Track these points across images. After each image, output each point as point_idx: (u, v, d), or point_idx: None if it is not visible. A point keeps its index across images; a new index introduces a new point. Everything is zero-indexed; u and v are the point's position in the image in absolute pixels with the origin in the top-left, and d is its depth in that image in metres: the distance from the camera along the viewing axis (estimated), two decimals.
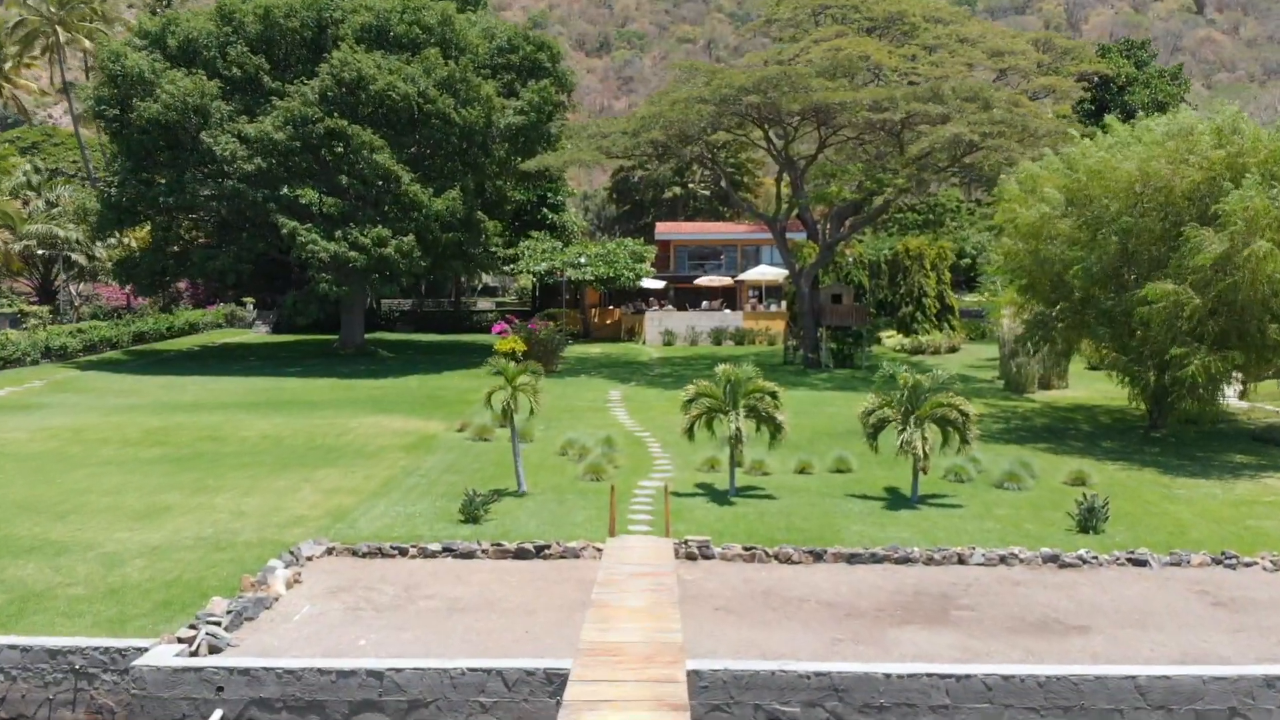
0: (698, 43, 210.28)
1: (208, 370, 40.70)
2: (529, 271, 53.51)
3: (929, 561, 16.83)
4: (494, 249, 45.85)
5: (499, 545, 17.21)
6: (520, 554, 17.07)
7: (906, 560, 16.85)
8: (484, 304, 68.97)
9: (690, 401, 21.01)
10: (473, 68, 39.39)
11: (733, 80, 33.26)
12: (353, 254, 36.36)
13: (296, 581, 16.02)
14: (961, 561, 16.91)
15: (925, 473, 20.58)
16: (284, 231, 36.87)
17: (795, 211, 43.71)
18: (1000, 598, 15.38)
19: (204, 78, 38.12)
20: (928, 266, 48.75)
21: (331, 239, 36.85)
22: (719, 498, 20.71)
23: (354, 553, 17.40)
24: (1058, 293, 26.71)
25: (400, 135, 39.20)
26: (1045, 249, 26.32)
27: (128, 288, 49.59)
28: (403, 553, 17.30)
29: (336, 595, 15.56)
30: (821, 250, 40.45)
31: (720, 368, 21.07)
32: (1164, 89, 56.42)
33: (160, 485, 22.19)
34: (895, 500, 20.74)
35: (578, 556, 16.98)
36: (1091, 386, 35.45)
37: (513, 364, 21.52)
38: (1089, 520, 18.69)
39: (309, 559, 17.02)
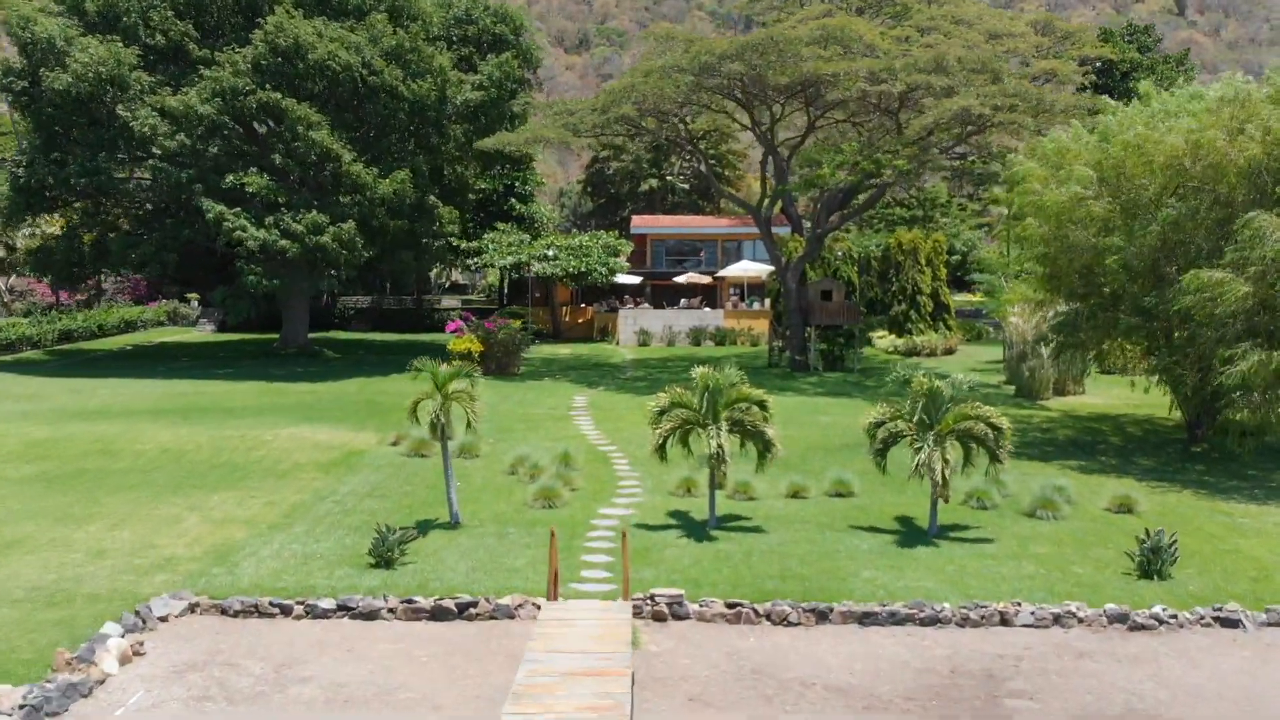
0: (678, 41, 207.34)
1: (130, 372, 36.53)
2: (493, 265, 49.55)
3: (964, 622, 13.13)
4: (452, 238, 41.85)
5: (411, 602, 13.35)
6: (438, 614, 13.22)
7: (935, 621, 13.14)
8: (450, 301, 64.90)
9: (661, 414, 17.20)
10: (425, 37, 35.47)
11: (713, 48, 29.54)
12: (284, 242, 32.32)
13: (136, 654, 12.11)
14: (1005, 622, 13.22)
15: (945, 501, 16.89)
16: (209, 217, 32.79)
17: (780, 203, 40.03)
18: (1064, 678, 11.69)
19: (121, 45, 33.96)
20: (922, 262, 45.21)
21: (262, 225, 32.81)
22: (696, 531, 16.93)
23: (223, 611, 13.50)
24: (1087, 286, 23.11)
25: (343, 111, 35.21)
26: (1074, 235, 22.72)
27: (45, 280, 45.23)
28: (285, 611, 13.43)
29: (183, 676, 11.66)
30: (810, 242, 36.79)
31: (698, 372, 17.26)
32: (1169, 75, 53.27)
33: (19, 512, 18.19)
34: (910, 534, 17.03)
35: (512, 617, 13.17)
36: (1110, 392, 31.94)
37: (446, 366, 17.57)
38: (1153, 563, 15.04)
39: (162, 620, 13.10)
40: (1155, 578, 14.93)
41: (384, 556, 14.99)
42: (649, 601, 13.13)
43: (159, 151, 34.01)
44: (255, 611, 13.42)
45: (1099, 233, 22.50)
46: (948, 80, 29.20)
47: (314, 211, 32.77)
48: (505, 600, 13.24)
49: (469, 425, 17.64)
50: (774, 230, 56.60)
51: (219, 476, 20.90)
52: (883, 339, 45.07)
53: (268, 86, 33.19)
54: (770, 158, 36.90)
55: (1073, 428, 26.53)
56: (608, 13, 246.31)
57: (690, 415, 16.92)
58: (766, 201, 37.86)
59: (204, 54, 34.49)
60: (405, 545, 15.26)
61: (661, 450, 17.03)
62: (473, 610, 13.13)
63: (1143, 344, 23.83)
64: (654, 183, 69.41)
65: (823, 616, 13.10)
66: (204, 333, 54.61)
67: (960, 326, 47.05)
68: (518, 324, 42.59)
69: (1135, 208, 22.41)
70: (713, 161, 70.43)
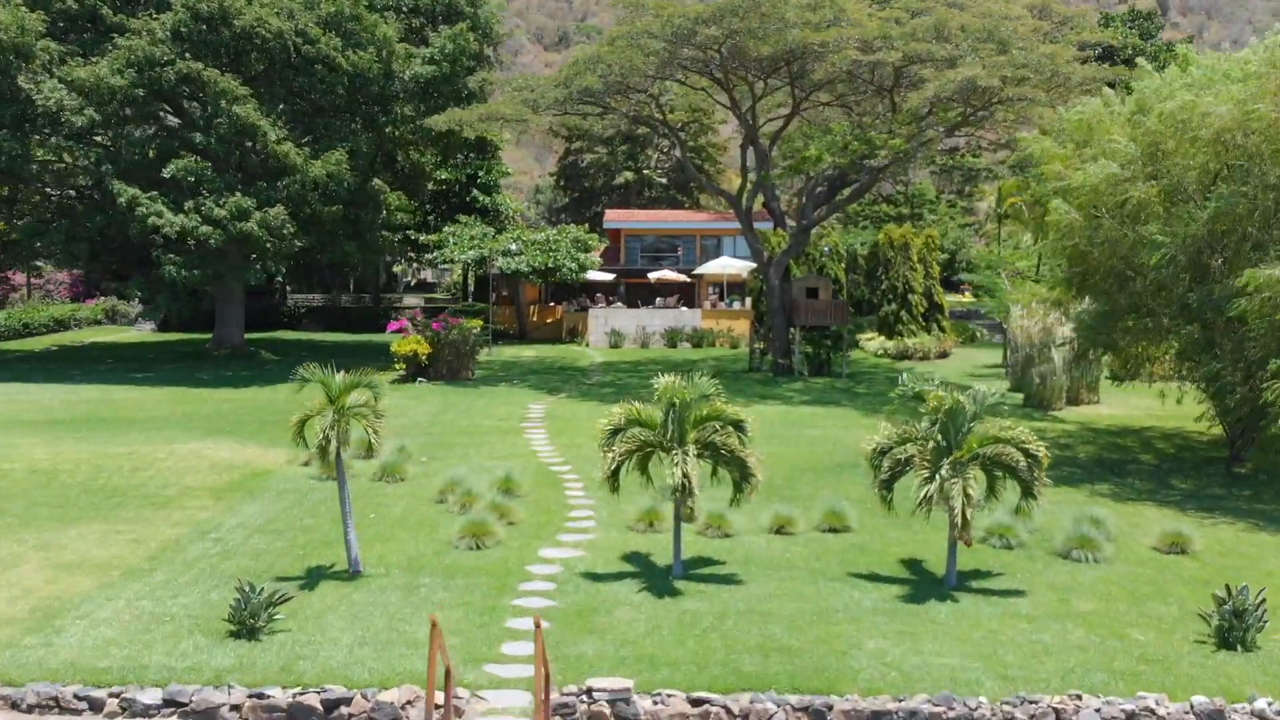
0: None
1: (40, 376, 32.77)
2: (453, 261, 46.00)
3: None
4: (407, 229, 38.27)
5: (261, 697, 9.90)
6: (295, 714, 9.76)
7: None
8: (413, 300, 61.25)
9: (615, 434, 13.79)
10: (367, 4, 31.92)
11: (688, 12, 26.21)
12: (205, 229, 28.66)
13: None
14: None
15: (967, 545, 13.59)
16: (120, 201, 29.08)
17: (762, 196, 36.72)
18: None
19: (25, 10, 30.22)
20: (914, 259, 42.04)
21: (181, 210, 29.14)
22: (658, 581, 13.54)
23: (14, 705, 9.99)
24: (1121, 284, 19.87)
25: (274, 84, 31.59)
26: (1108, 225, 19.48)
27: None
28: (95, 707, 9.99)
29: None
30: (794, 235, 33.50)
31: (660, 383, 13.83)
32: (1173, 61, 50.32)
33: None
34: (922, 584, 13.71)
35: (397, 718, 9.72)
36: (1128, 402, 28.79)
37: (342, 376, 14.12)
38: (1235, 629, 11.79)
39: None
40: (1239, 647, 11.69)
41: (246, 624, 11.51)
42: (585, 697, 9.72)
43: (66, 129, 30.29)
44: (55, 706, 9.94)
45: (1136, 221, 19.26)
46: (950, 50, 25.99)
47: (238, 195, 29.11)
48: (389, 696, 9.79)
49: (370, 449, 14.14)
50: (755, 225, 53.44)
51: (87, 505, 17.33)
52: (871, 341, 41.90)
53: (187, 56, 29.53)
54: (751, 144, 33.61)
55: (1095, 443, 23.32)
56: (588, 10, 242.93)
57: (650, 437, 13.52)
58: (748, 191, 34.54)
59: (119, 20, 30.78)
60: (275, 607, 11.78)
61: (614, 480, 13.60)
62: (344, 711, 9.68)
63: (1178, 348, 20.61)
64: (630, 176, 66.04)
65: (820, 717, 9.73)
66: (141, 332, 50.75)
67: (953, 328, 43.91)
68: (475, 323, 39.10)
69: (1177, 191, 19.21)
70: (691, 154, 67.21)
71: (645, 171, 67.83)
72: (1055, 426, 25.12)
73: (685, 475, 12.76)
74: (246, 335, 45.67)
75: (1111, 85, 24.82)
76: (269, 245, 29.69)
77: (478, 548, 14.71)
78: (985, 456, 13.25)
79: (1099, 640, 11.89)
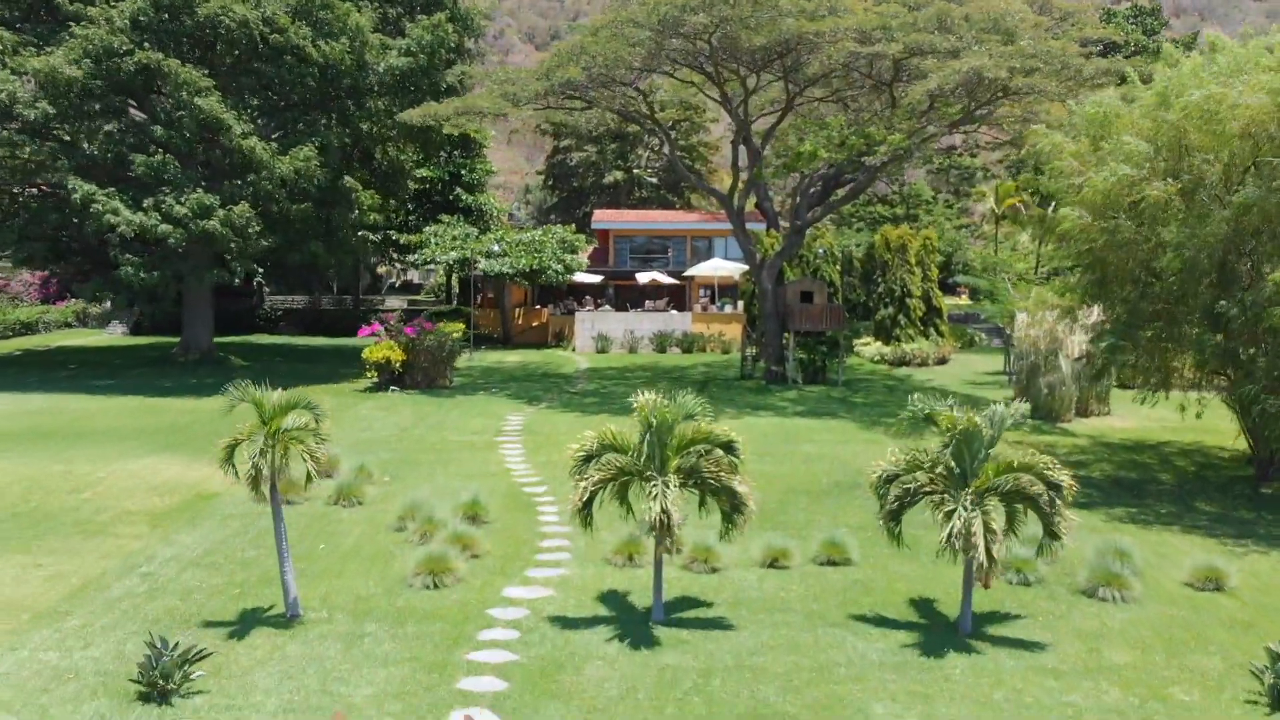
0: None
1: None
2: (434, 262, 44.39)
3: None
4: (381, 228, 36.59)
5: None
6: None
7: None
8: (396, 302, 59.60)
9: (588, 460, 12.23)
10: None
11: (676, 0, 24.60)
12: (165, 227, 27.01)
13: None
14: None
15: (986, 587, 12.08)
16: (75, 198, 27.43)
17: (754, 196, 35.21)
18: None
19: None
20: (912, 261, 40.55)
21: (140, 208, 27.48)
22: (636, 628, 11.99)
23: None
24: (1142, 291, 18.39)
25: (239, 77, 29.95)
26: (1125, 229, 18.00)
27: None
28: None
29: None
30: (789, 235, 31.98)
31: (639, 401, 12.27)
32: (1177, 59, 48.98)
33: None
34: (934, 629, 12.19)
35: None
36: (1138, 413, 27.29)
37: (278, 394, 12.54)
38: None
39: None
40: None
41: (157, 685, 9.93)
42: None
43: (19, 122, 28.61)
44: None
45: (1155, 222, 17.80)
46: (954, 41, 24.50)
47: (199, 192, 27.46)
48: None
49: (309, 478, 12.53)
50: (748, 226, 51.99)
51: (8, 532, 15.72)
52: (868, 346, 40.42)
53: (147, 46, 27.87)
54: (743, 141, 32.09)
55: (1110, 460, 21.85)
56: (579, 9, 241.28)
57: (627, 463, 11.97)
58: (739, 191, 32.99)
59: (75, 8, 29.10)
60: (191, 665, 10.21)
61: (585, 513, 12.04)
62: None
63: (1201, 358, 19.13)
64: (619, 175, 64.47)
65: None
66: (112, 336, 48.98)
67: (951, 333, 42.45)
68: (455, 328, 37.54)
69: (1199, 189, 17.74)
70: (682, 153, 65.73)
71: (636, 171, 66.27)
72: (1066, 441, 23.65)
73: (664, 511, 11.20)
74: (219, 339, 44.00)
75: (1122, 79, 23.38)
76: (233, 245, 28.04)
77: (435, 586, 13.14)
78: (1004, 488, 11.74)
79: (1138, 702, 10.40)
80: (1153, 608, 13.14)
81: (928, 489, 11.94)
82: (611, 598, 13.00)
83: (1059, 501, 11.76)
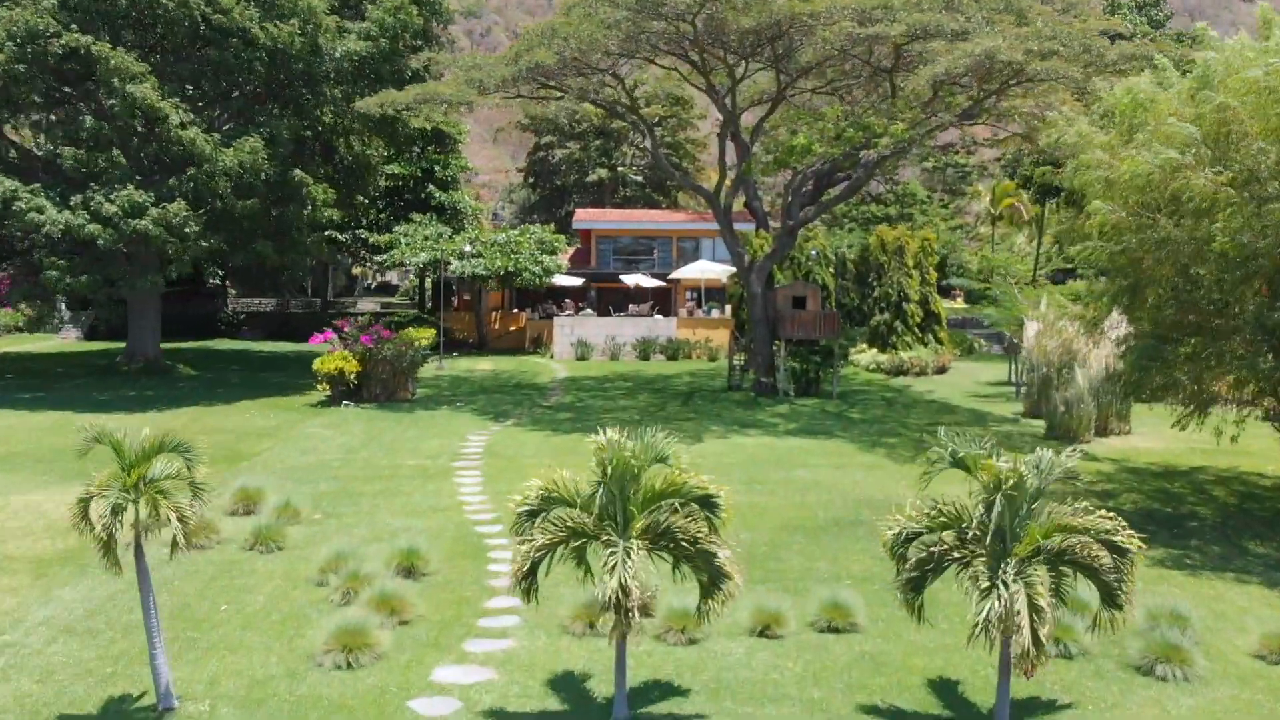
0: None
1: None
2: (404, 264, 41.90)
3: None
4: (339, 227, 33.99)
5: None
6: None
7: None
8: (369, 305, 57.03)
9: (532, 517, 9.79)
10: None
11: None
12: (92, 227, 24.47)
13: None
14: None
15: (1028, 677, 9.72)
16: None
17: (743, 194, 32.83)
18: None
19: None
20: (909, 263, 38.26)
21: (67, 206, 24.93)
22: None
23: None
24: (1182, 299, 16.07)
25: (179, 62, 27.41)
26: (1163, 226, 15.68)
27: None
28: None
29: None
30: (780, 235, 29.64)
31: (598, 443, 9.82)
32: (1184, 51, 46.89)
33: None
34: None
35: None
36: (1160, 431, 25.01)
37: (145, 433, 10.10)
38: None
39: None
40: None
41: None
42: None
43: None
44: None
45: (1200, 218, 15.48)
46: (961, 22, 22.16)
47: (131, 188, 24.91)
48: None
49: (175, 544, 10.02)
50: (736, 226, 49.64)
51: None
52: (862, 354, 38.10)
53: (74, 28, 25.30)
54: (731, 136, 29.71)
55: (1140, 490, 19.53)
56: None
57: (580, 524, 9.54)
58: (727, 189, 30.58)
59: None
60: None
61: (529, 583, 9.60)
62: None
63: (1243, 376, 16.82)
64: (603, 173, 62.08)
65: None
66: (65, 341, 46.34)
67: (949, 339, 40.19)
68: (424, 334, 35.08)
69: (1252, 180, 15.44)
70: (668, 150, 63.38)
71: (620, 169, 63.88)
72: (1088, 466, 21.30)
73: (622, 587, 8.78)
74: (176, 345, 41.48)
75: (1149, 64, 21.10)
76: (169, 246, 25.49)
77: (349, 665, 10.70)
78: (1054, 553, 9.38)
79: None
80: (1223, 690, 10.82)
81: (957, 555, 9.56)
82: (566, 682, 10.59)
83: (1126, 570, 9.41)
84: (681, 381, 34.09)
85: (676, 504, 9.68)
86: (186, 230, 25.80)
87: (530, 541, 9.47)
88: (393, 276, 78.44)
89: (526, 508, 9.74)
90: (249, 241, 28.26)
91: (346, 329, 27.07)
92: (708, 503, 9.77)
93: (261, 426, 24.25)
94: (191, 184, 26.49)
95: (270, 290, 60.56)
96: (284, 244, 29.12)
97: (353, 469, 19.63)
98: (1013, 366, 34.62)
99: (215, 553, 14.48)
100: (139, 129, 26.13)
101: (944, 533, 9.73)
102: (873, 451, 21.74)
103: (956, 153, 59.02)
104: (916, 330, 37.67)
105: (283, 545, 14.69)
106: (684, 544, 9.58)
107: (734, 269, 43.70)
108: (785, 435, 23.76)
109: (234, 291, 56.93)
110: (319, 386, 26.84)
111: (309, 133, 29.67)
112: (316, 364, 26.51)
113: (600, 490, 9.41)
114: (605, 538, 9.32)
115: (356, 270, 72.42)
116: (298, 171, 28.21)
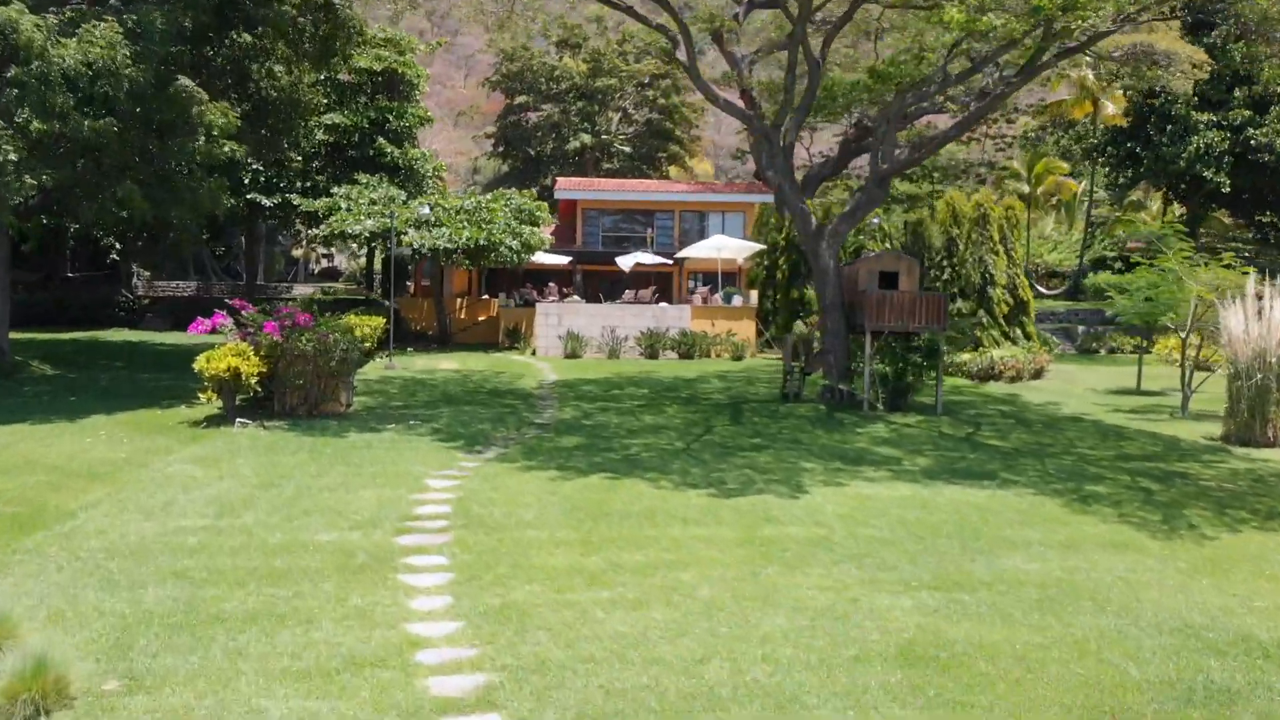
0: None
1: None
2: (347, 235, 33.02)
3: None
4: (277, 188, 25.02)
5: None
6: None
7: None
8: (305, 290, 47.88)
9: None
10: None
11: None
12: None
13: None
14: None
15: None
16: None
17: (776, 146, 24.41)
18: None
19: None
20: (994, 238, 30.19)
21: None
22: None
23: None
24: None
25: None
26: None
27: None
28: None
29: None
30: (870, 185, 21.39)
31: None
32: None
33: None
34: None
35: None
36: None
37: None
38: None
39: None
40: None
41: None
42: None
43: None
44: None
45: None
46: None
47: None
48: None
49: None
50: (746, 199, 41.33)
51: None
52: None
53: None
54: (798, 42, 21.30)
55: None
56: None
57: None
58: (791, 117, 22.08)
59: None
60: None
61: None
62: None
63: None
64: (586, 138, 53.41)
65: None
66: None
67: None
68: (373, 323, 26.40)
69: None
70: (660, 117, 55.01)
71: (604, 136, 55.25)
72: None
73: None
74: (52, 335, 32.46)
75: None
76: None
77: None
78: None
79: None
80: None
81: None
82: None
83: None
84: (711, 388, 25.71)
85: None
86: (3, 164, 16.82)
87: None
88: (340, 261, 69.26)
89: None
90: (107, 184, 19.26)
91: (246, 311, 18.27)
92: None
93: (102, 459, 15.41)
94: (15, 91, 17.54)
95: (196, 273, 51.45)
96: (161, 191, 20.13)
97: (219, 553, 10.87)
98: (1141, 371, 26.79)
99: None
100: None
101: None
102: (1091, 511, 13.46)
103: (997, 121, 51.34)
104: (1002, 324, 29.62)
105: None
106: None
107: (757, 246, 35.46)
108: (926, 478, 15.33)
109: (146, 274, 47.59)
110: (202, 396, 17.97)
111: (191, 26, 20.50)
112: (200, 362, 17.61)
113: None
114: None
115: (297, 252, 63.14)
116: (183, 80, 19.20)
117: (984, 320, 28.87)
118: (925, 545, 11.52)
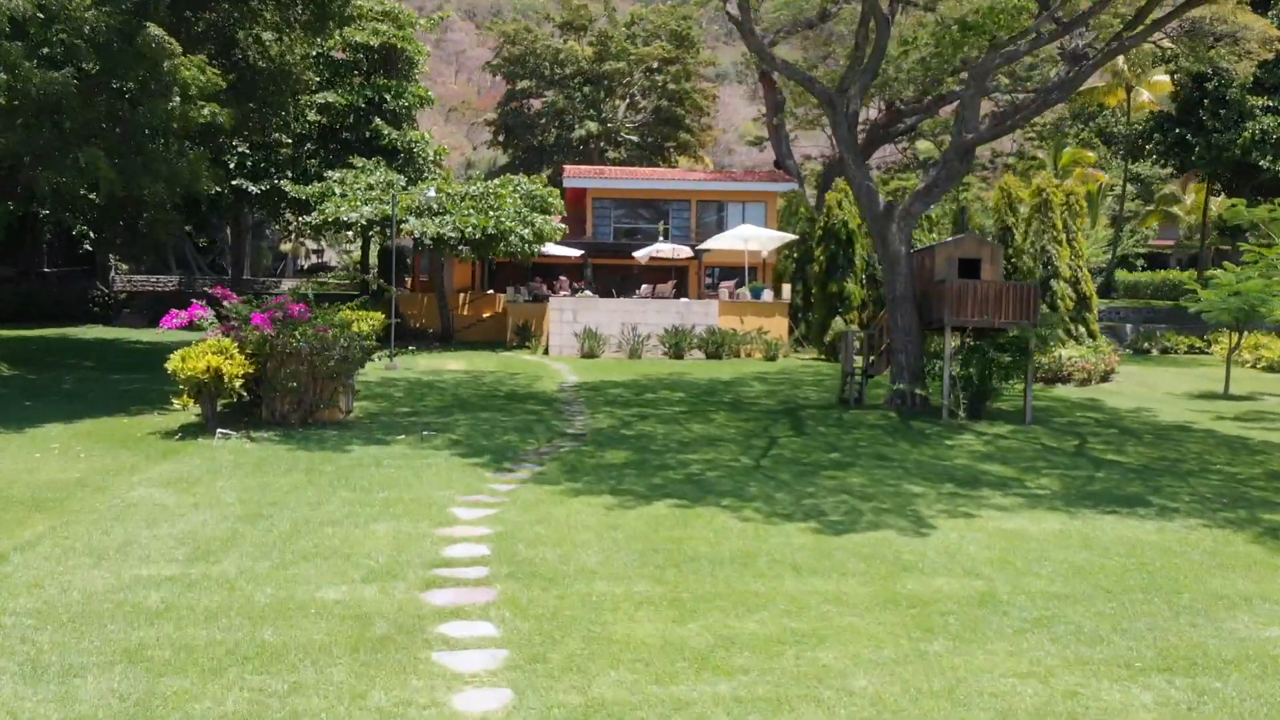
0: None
1: None
2: (342, 224, 30.12)
3: None
4: (267, 172, 22.13)
5: None
6: None
7: None
8: (293, 284, 44.90)
9: None
10: None
11: None
12: None
13: None
14: None
15: None
16: None
17: (841, 108, 21.59)
18: None
19: None
20: (1057, 225, 27.54)
21: None
22: None
23: None
24: None
25: None
26: None
27: None
28: None
29: None
30: (950, 156, 18.69)
31: None
32: None
33: None
34: None
35: None
36: None
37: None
38: None
39: None
40: None
41: None
42: None
43: None
44: None
45: None
46: None
47: None
48: None
49: None
50: (768, 188, 38.63)
51: None
52: None
53: None
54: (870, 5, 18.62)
55: None
56: None
57: None
58: (857, 84, 19.31)
59: None
60: None
61: None
62: None
63: None
64: (592, 126, 50.52)
65: None
66: None
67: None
68: (368, 317, 23.53)
69: None
70: (670, 103, 52.26)
71: (609, 124, 52.41)
72: None
73: None
74: (19, 333, 29.56)
75: None
76: None
77: None
78: None
79: None
80: None
81: None
82: None
83: None
84: (754, 391, 22.95)
85: None
86: None
87: None
88: (331, 256, 66.26)
89: None
90: (67, 148, 16.34)
91: (229, 301, 15.39)
92: None
93: (49, 481, 12.53)
94: None
95: (178, 268, 48.46)
96: (131, 158, 17.21)
97: (189, 619, 7.99)
98: (1230, 373, 24.19)
99: None
100: None
101: None
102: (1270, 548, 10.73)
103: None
104: (1067, 321, 26.96)
105: None
106: None
107: (788, 237, 32.77)
108: (1067, 506, 12.51)
109: (125, 268, 44.55)
110: (177, 401, 15.06)
111: None
112: (173, 362, 14.68)
113: None
114: None
115: (286, 247, 60.09)
116: (152, 29, 16.27)
117: (1065, 318, 26.19)
118: (1120, 604, 8.77)
